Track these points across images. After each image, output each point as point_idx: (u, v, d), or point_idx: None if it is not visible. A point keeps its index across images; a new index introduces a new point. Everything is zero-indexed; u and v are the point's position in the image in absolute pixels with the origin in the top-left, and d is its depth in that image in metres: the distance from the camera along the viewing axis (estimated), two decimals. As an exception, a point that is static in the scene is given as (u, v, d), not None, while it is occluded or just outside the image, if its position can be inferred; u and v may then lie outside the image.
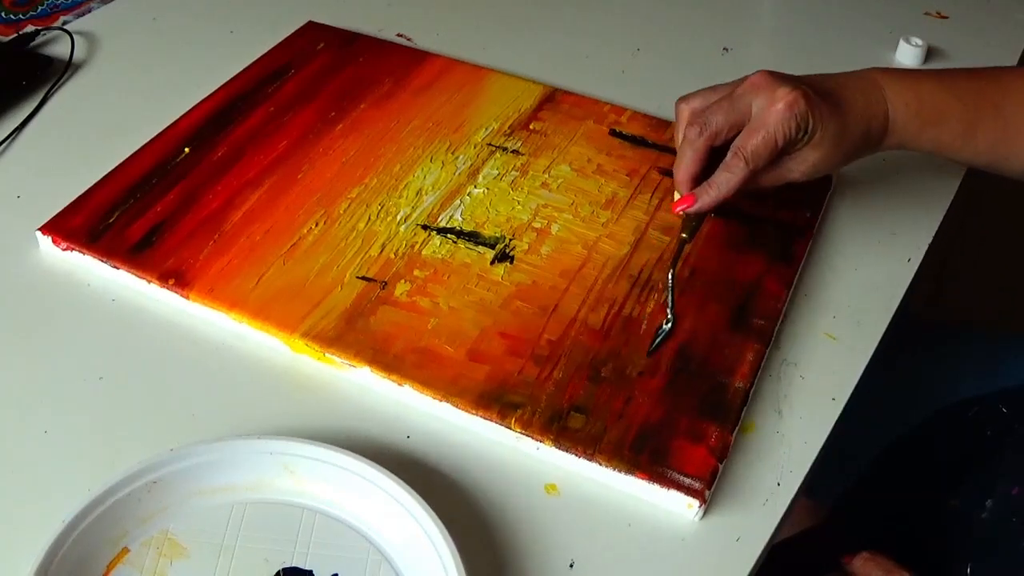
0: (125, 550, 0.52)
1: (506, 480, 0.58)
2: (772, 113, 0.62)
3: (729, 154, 0.64)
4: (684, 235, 0.67)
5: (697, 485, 0.56)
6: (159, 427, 0.59)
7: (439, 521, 0.52)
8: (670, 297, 0.65)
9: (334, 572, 0.52)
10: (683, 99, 0.67)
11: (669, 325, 0.64)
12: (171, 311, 0.66)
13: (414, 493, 0.53)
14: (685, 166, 0.65)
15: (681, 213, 0.66)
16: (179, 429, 0.59)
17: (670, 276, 0.66)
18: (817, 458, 0.60)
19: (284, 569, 0.52)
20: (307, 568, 0.52)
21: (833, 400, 0.63)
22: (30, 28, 0.89)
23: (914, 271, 0.72)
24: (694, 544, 0.56)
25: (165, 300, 0.66)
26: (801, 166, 0.66)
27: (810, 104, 0.62)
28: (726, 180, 0.64)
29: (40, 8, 0.93)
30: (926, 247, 0.74)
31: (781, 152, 0.64)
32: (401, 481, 0.54)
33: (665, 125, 0.81)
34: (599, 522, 0.57)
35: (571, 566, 0.55)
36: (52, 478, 0.57)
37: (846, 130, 0.64)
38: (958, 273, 1.30)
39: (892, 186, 0.79)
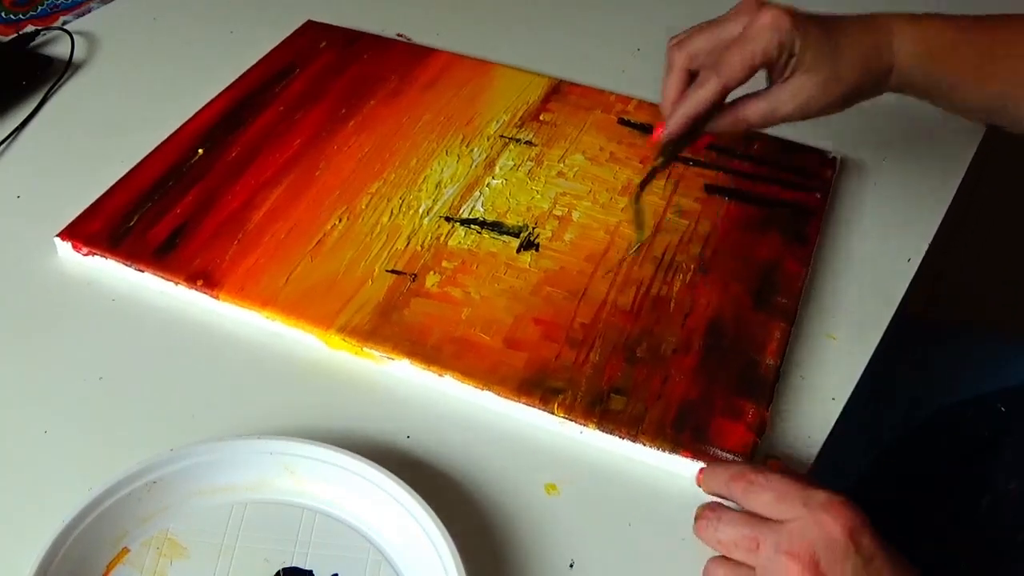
0: (125, 550, 0.52)
1: (506, 480, 0.58)
2: (754, 28, 0.60)
3: (702, 70, 0.62)
4: (659, 159, 0.70)
5: (739, 461, 0.57)
6: (159, 427, 0.59)
7: (439, 521, 0.52)
8: (635, 218, 0.69)
9: (334, 572, 0.52)
10: (679, 35, 0.66)
11: (636, 247, 0.69)
12: (196, 311, 0.66)
13: (414, 493, 0.53)
14: (665, 91, 0.64)
15: (661, 141, 0.65)
16: (179, 429, 0.59)
17: (636, 198, 0.70)
18: (817, 458, 0.60)
19: (284, 569, 0.52)
20: (307, 568, 0.52)
21: (833, 400, 0.63)
22: (30, 28, 0.89)
23: (914, 271, 0.72)
24: (696, 544, 0.56)
25: (191, 301, 0.66)
26: (794, 97, 0.62)
27: (796, 23, 0.60)
28: (696, 96, 0.62)
29: (40, 8, 0.93)
30: (926, 247, 0.74)
31: (767, 79, 0.62)
32: (401, 481, 0.54)
33: None
34: (600, 522, 0.57)
35: (571, 566, 0.55)
36: (52, 478, 0.57)
37: (839, 56, 0.61)
38: (958, 273, 1.30)
39: (892, 186, 0.79)
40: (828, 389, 0.64)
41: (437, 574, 0.51)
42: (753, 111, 0.63)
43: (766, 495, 0.50)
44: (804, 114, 0.63)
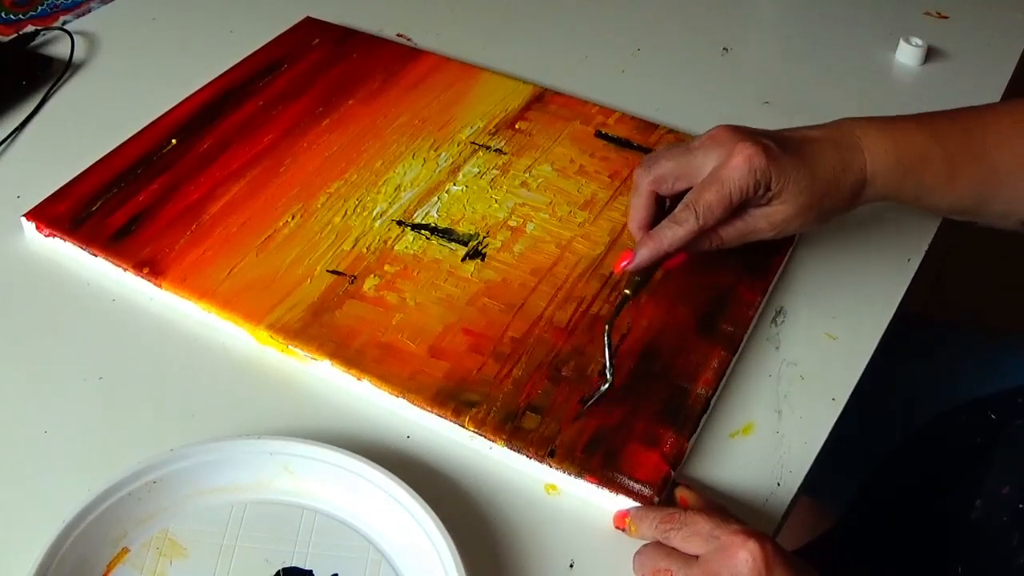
0: (125, 550, 0.52)
1: (506, 480, 0.58)
2: (728, 168, 0.60)
3: (679, 206, 0.62)
4: (627, 291, 0.62)
5: (647, 491, 0.56)
6: (159, 427, 0.59)
7: (439, 521, 0.52)
8: (607, 356, 0.60)
9: (334, 572, 0.52)
10: (648, 155, 0.66)
11: (606, 387, 0.59)
12: (147, 301, 0.66)
13: (414, 493, 0.53)
14: (632, 213, 0.64)
15: (628, 270, 0.63)
16: (179, 429, 0.59)
17: (606, 334, 0.60)
18: (817, 458, 0.60)
19: (284, 569, 0.52)
20: (307, 568, 0.52)
21: (833, 400, 0.63)
22: (30, 28, 0.89)
23: (914, 271, 0.72)
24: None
25: (140, 289, 0.67)
26: (768, 223, 0.63)
27: (770, 158, 0.60)
28: (671, 233, 0.61)
29: (40, 8, 0.93)
30: (926, 247, 0.74)
31: (738, 208, 0.62)
32: (401, 481, 0.54)
33: (653, 128, 0.80)
34: (599, 522, 0.57)
35: (571, 566, 0.55)
36: (52, 478, 0.57)
37: (814, 184, 0.62)
38: (958, 273, 1.30)
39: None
40: (828, 389, 0.64)
41: (437, 574, 0.51)
42: (729, 232, 0.63)
43: (683, 532, 0.52)
44: (778, 234, 0.64)
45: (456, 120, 0.81)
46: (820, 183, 0.62)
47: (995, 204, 0.67)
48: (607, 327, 0.60)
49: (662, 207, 0.65)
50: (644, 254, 0.62)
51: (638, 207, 0.64)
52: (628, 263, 0.62)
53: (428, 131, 0.79)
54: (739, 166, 0.60)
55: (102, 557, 0.52)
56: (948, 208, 0.69)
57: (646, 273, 0.63)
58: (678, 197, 0.63)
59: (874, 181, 0.64)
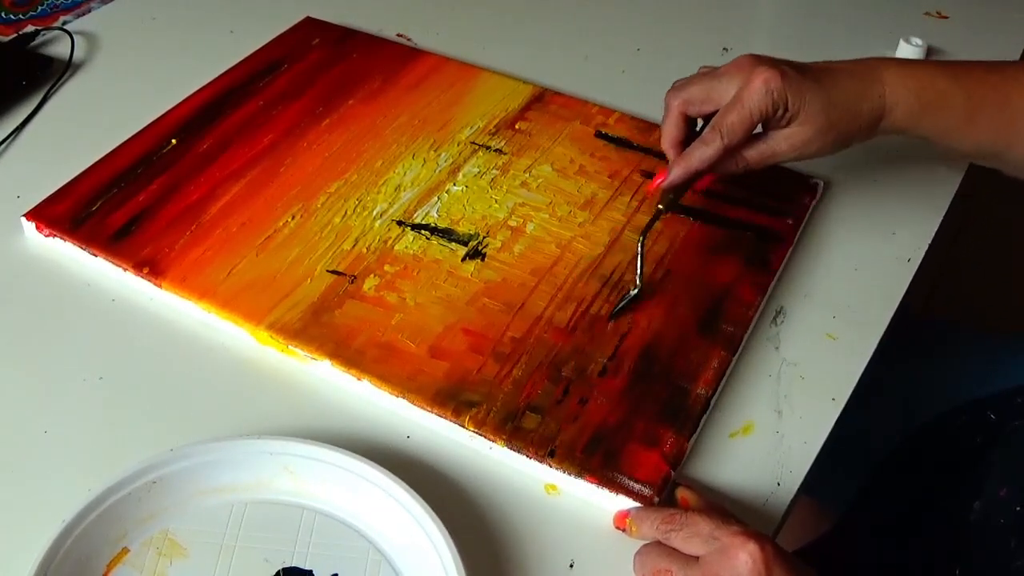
0: (125, 550, 0.52)
1: (506, 480, 0.58)
2: (749, 91, 0.64)
3: (706, 128, 0.66)
4: (660, 206, 0.67)
5: (647, 491, 0.56)
6: (159, 427, 0.59)
7: (439, 521, 0.52)
8: (639, 264, 0.65)
9: (334, 572, 0.52)
10: (677, 80, 0.70)
11: (636, 291, 0.65)
12: (147, 301, 0.66)
13: (414, 493, 0.53)
14: (664, 132, 0.68)
15: (662, 187, 0.67)
16: (179, 429, 0.59)
17: (639, 244, 0.66)
18: (817, 458, 0.60)
19: (284, 569, 0.52)
20: (307, 568, 0.52)
21: (833, 400, 0.63)
22: (30, 28, 0.89)
23: (914, 271, 0.72)
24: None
25: (140, 289, 0.67)
26: (788, 143, 0.66)
27: (786, 81, 0.64)
28: (700, 153, 0.66)
29: (40, 8, 0.93)
30: (926, 247, 0.74)
31: (763, 127, 0.66)
32: (401, 481, 0.54)
33: (653, 128, 0.80)
34: (599, 522, 0.57)
35: (571, 566, 0.55)
36: (52, 478, 0.57)
37: (831, 107, 0.65)
38: (958, 273, 1.30)
39: (892, 186, 0.79)
40: (828, 389, 0.64)
41: (437, 574, 0.51)
42: (752, 153, 0.67)
43: (683, 532, 0.52)
44: (799, 156, 0.67)
45: (456, 120, 0.81)
46: (837, 107, 0.65)
47: (1015, 150, 0.69)
48: (641, 238, 0.66)
49: (692, 128, 0.68)
50: (676, 172, 0.67)
51: (669, 126, 0.68)
52: (662, 180, 0.67)
53: (428, 131, 0.79)
54: (757, 88, 0.64)
55: (102, 557, 0.52)
56: (970, 150, 0.72)
57: (678, 191, 0.68)
58: (707, 119, 0.67)
59: (892, 113, 0.66)
